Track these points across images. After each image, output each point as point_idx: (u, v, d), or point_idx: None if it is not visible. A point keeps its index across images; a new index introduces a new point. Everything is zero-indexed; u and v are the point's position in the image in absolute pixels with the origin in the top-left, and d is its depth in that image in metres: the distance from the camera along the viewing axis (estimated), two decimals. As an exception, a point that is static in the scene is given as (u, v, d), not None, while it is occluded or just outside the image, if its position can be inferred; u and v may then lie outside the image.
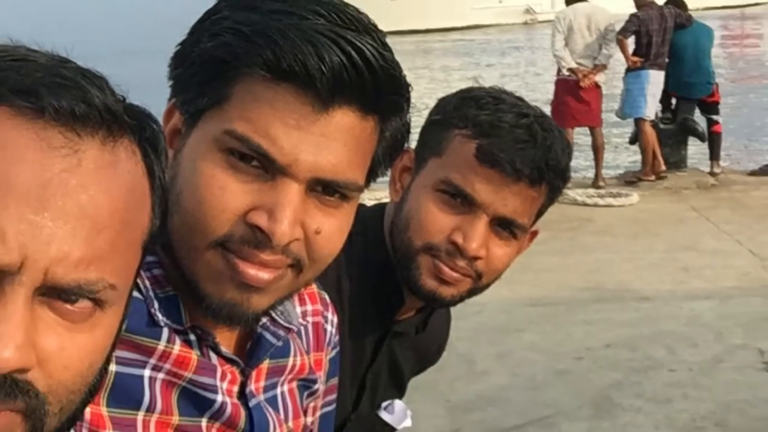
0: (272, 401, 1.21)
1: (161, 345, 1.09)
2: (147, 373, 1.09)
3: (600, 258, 7.65)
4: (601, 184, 10.23)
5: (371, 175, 1.12)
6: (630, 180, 10.52)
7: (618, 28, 10.17)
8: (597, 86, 10.23)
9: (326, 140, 1.03)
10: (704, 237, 8.18)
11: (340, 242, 1.11)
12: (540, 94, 12.14)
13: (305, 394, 1.28)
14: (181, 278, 1.09)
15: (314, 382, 1.30)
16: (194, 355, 1.12)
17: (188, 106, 1.08)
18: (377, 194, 1.64)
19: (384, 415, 1.82)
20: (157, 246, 0.99)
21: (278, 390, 1.23)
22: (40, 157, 0.77)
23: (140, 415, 1.08)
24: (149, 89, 1.15)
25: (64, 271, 0.78)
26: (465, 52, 38.17)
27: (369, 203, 1.81)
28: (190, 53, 1.08)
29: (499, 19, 54.67)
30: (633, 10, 10.36)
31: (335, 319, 1.38)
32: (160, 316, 1.09)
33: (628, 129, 11.39)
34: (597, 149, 10.41)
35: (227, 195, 1.04)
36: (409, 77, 1.11)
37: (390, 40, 1.08)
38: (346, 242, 1.12)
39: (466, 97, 1.67)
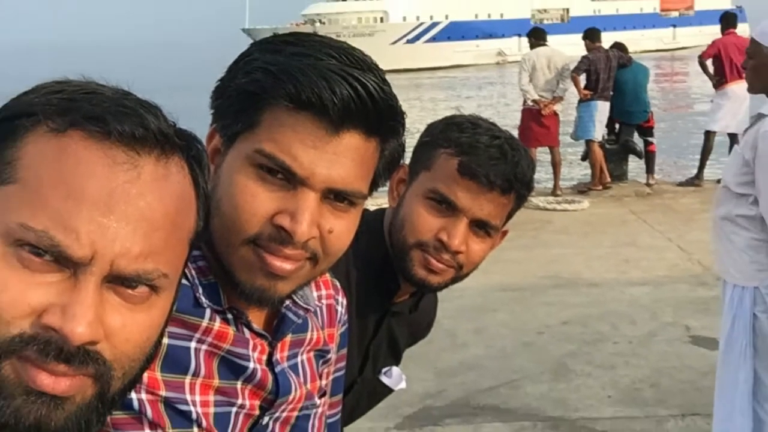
0: (294, 368, 1.20)
1: (204, 322, 1.09)
2: (193, 345, 1.08)
3: (557, 252, 7.64)
4: (559, 192, 10.21)
5: (373, 186, 1.12)
6: (582, 189, 10.49)
7: (572, 67, 10.17)
8: (555, 114, 10.22)
9: (337, 158, 1.03)
10: (641, 235, 8.18)
11: (348, 240, 1.10)
12: (509, 120, 12.12)
13: (320, 362, 1.28)
14: (221, 268, 1.09)
15: (328, 352, 1.30)
16: (231, 330, 1.11)
17: (226, 130, 1.08)
18: (378, 201, 1.64)
19: (384, 379, 1.82)
20: (201, 242, 0.99)
21: (299, 359, 1.22)
22: (107, 171, 0.77)
23: (187, 379, 1.08)
24: (195, 117, 1.15)
25: (126, 263, 0.78)
26: (448, 86, 38.21)
27: (372, 208, 1.81)
28: (228, 88, 1.08)
29: (477, 60, 55.01)
30: (584, 52, 10.37)
31: (344, 302, 1.38)
32: (203, 299, 1.09)
33: (580, 148, 11.38)
34: (555, 165, 10.41)
35: (257, 201, 1.04)
36: (404, 107, 1.11)
37: (388, 77, 1.08)
38: (353, 240, 1.12)
39: (450, 123, 1.67)
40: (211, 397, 1.10)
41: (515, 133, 7.88)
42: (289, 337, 1.20)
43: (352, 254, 1.45)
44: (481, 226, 1.60)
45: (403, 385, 1.85)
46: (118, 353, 0.79)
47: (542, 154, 10.41)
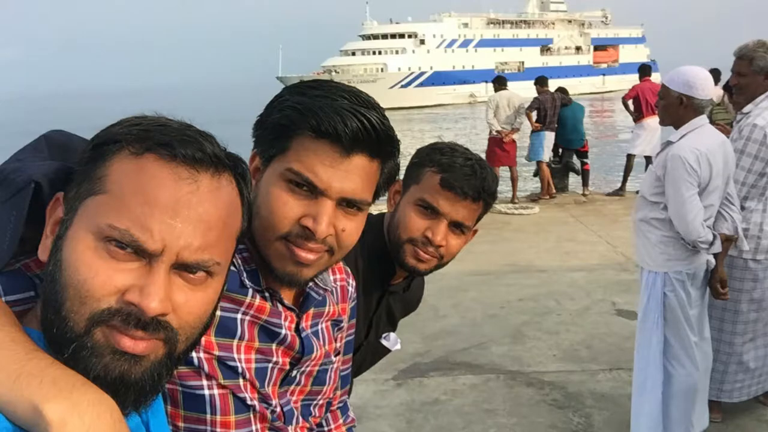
0: (315, 334, 1.20)
1: (247, 299, 1.09)
2: (239, 316, 1.08)
3: (515, 246, 7.63)
4: (516, 201, 10.20)
5: (376, 195, 1.12)
6: (533, 198, 10.48)
7: (526, 105, 10.17)
8: (513, 141, 10.19)
9: (348, 174, 1.03)
10: (579, 233, 8.16)
11: (357, 236, 1.10)
12: (479, 146, 12.08)
13: (335, 329, 1.28)
14: (260, 258, 1.09)
15: (341, 321, 1.30)
16: (268, 305, 1.11)
17: (264, 154, 1.08)
18: (380, 207, 1.63)
19: (384, 342, 1.82)
20: (245, 238, 0.99)
21: (319, 327, 1.22)
22: (174, 185, 0.77)
23: (235, 342, 1.08)
24: (240, 143, 1.15)
25: (189, 254, 0.78)
26: (432, 120, 38.19)
27: (375, 212, 1.80)
28: (266, 121, 1.08)
29: (454, 101, 55.18)
30: (535, 94, 10.36)
31: (354, 283, 1.38)
32: (247, 281, 1.09)
33: (532, 167, 11.38)
34: (513, 180, 10.39)
35: (288, 207, 1.04)
36: (399, 136, 1.11)
37: (386, 113, 1.08)
38: (360, 236, 1.11)
39: (434, 148, 1.66)
40: (253, 356, 1.10)
41: (483, 155, 7.92)
42: (312, 310, 1.20)
43: (359, 247, 1.45)
44: (457, 226, 1.60)
45: (398, 346, 1.84)
46: (183, 322, 0.79)
47: (504, 172, 10.40)
